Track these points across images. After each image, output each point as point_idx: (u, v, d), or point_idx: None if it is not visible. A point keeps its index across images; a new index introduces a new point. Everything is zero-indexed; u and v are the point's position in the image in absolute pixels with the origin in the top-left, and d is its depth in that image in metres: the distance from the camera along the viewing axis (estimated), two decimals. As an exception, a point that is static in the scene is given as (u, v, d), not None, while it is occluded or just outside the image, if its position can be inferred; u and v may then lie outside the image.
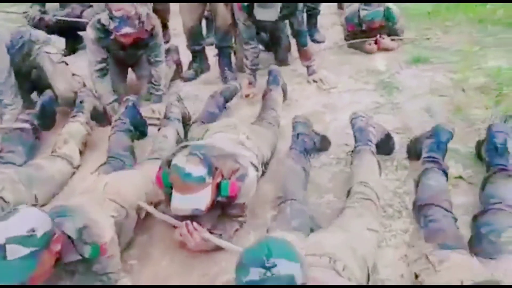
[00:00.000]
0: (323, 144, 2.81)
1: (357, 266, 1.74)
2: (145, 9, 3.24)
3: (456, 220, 2.05)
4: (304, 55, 3.69)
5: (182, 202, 1.91)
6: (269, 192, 2.51)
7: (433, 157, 2.37)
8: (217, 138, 2.42)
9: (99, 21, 3.13)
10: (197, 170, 1.89)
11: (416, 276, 1.80)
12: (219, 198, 2.06)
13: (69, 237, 1.67)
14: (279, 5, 3.11)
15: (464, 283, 1.59)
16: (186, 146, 2.08)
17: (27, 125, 2.93)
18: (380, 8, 3.92)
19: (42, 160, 2.71)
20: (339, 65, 4.01)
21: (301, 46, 3.64)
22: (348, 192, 2.23)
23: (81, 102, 3.10)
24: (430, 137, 2.51)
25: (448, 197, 2.17)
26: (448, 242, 1.88)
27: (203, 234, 2.03)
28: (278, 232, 1.95)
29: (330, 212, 2.35)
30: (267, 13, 3.11)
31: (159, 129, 2.94)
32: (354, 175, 2.32)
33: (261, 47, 4.20)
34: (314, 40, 4.40)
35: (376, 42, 4.06)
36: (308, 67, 3.72)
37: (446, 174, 2.33)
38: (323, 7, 4.58)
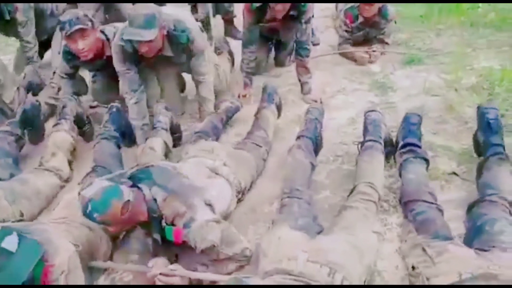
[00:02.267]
0: (319, 145, 2.69)
1: (358, 275, 1.77)
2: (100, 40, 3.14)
3: (441, 210, 2.10)
4: (301, 68, 3.50)
5: None
6: (267, 188, 2.57)
7: (407, 144, 2.42)
8: (190, 163, 2.34)
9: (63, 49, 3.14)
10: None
11: (413, 268, 1.84)
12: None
13: None
14: None
15: (463, 276, 1.64)
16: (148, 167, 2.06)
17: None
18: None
19: (27, 174, 2.62)
20: (333, 66, 4.07)
21: (299, 57, 3.46)
22: (353, 189, 2.23)
23: (63, 107, 3.02)
24: (401, 125, 2.59)
25: (429, 188, 2.22)
26: (440, 231, 1.93)
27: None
28: (285, 227, 1.96)
29: (327, 207, 2.41)
30: None
31: (146, 139, 2.88)
32: (362, 173, 2.30)
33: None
34: None
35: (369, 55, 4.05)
36: (304, 84, 3.55)
37: (425, 159, 2.37)
38: (316, 10, 4.62)
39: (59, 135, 2.85)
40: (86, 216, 1.84)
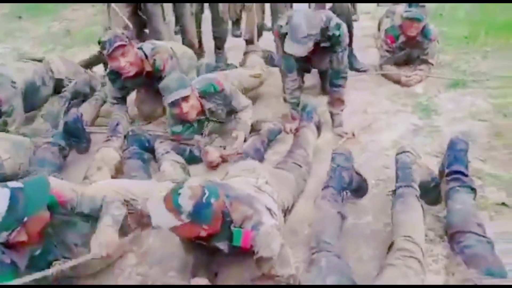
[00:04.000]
0: (360, 188, 2.58)
1: None
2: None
3: (492, 243, 1.99)
4: (334, 100, 3.28)
5: (157, 210, 1.85)
6: (307, 209, 2.51)
7: (454, 172, 2.31)
8: (234, 181, 2.30)
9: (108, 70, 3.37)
10: (185, 202, 1.79)
11: None
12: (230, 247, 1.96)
13: None
14: (311, 43, 2.90)
15: None
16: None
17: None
18: (423, 13, 3.79)
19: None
20: (375, 86, 3.99)
21: (333, 87, 3.24)
22: (390, 246, 2.02)
23: (116, 124, 3.17)
24: (447, 151, 2.47)
25: (478, 219, 2.11)
26: (492, 267, 1.83)
27: None
28: None
29: (369, 233, 2.35)
30: (296, 49, 2.91)
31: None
32: (398, 226, 2.09)
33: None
34: (354, 69, 4.17)
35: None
36: (334, 115, 3.32)
37: (472, 188, 2.26)
38: (358, 29, 4.55)
39: (108, 152, 2.93)
40: (200, 207, 1.80)
